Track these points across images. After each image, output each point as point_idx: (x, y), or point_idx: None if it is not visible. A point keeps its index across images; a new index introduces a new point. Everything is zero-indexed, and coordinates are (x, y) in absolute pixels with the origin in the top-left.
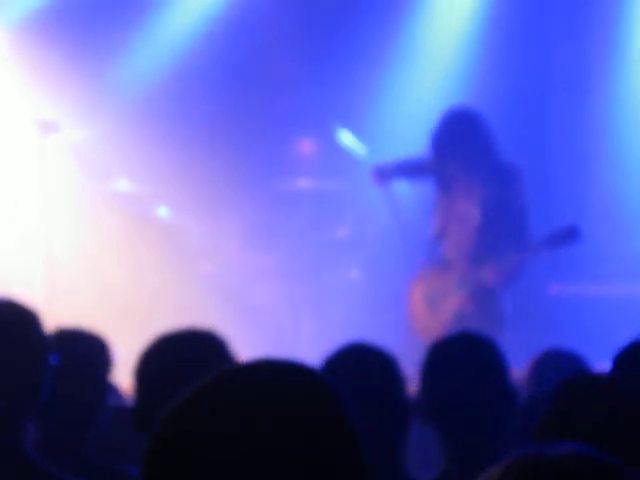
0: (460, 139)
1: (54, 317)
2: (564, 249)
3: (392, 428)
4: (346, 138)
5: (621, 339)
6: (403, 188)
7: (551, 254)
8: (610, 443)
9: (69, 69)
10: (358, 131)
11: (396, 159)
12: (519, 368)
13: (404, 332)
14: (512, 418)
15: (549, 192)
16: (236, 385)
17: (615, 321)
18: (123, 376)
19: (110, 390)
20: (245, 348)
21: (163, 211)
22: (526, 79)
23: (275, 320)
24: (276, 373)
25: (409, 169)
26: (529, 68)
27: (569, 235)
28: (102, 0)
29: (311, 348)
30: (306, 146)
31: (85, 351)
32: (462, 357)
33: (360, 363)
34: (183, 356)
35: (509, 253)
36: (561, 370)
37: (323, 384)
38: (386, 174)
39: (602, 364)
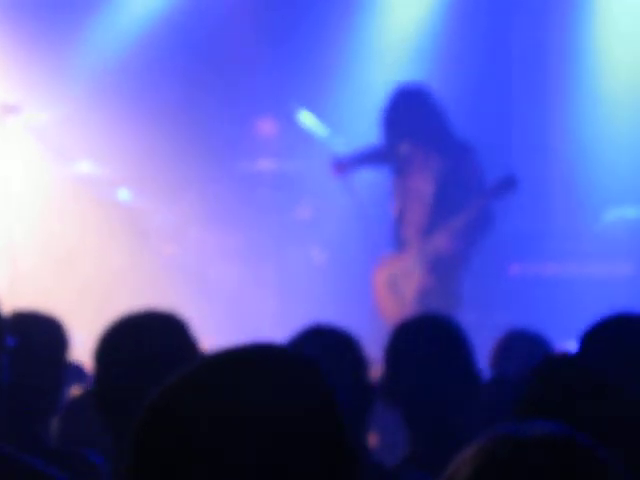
0: (410, 115)
1: (16, 300)
2: (505, 198)
3: (355, 411)
4: (306, 119)
5: (580, 318)
6: (363, 177)
7: (510, 233)
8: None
9: (30, 52)
10: (318, 112)
11: (354, 150)
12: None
13: (369, 316)
14: (476, 399)
15: (508, 171)
16: (227, 372)
17: (575, 300)
18: (86, 359)
19: (77, 371)
20: (208, 329)
21: (125, 193)
22: (488, 62)
23: (238, 301)
24: (268, 360)
25: (367, 158)
26: (490, 52)
27: (507, 184)
28: None
29: (274, 329)
30: (266, 127)
31: (41, 333)
32: (426, 339)
33: (323, 345)
34: (142, 338)
35: (451, 219)
36: (525, 351)
37: (317, 374)
38: (345, 165)
39: (562, 343)
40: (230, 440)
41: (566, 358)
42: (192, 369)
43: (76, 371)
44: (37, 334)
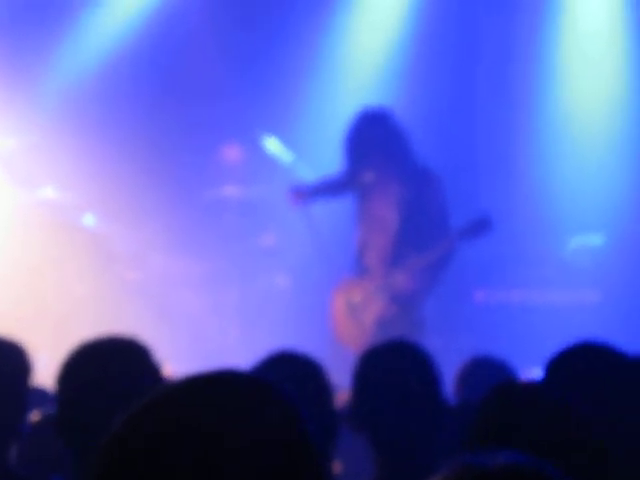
0: (374, 139)
1: None
2: (477, 240)
3: (320, 437)
4: (271, 145)
5: (546, 346)
6: (322, 206)
7: (475, 259)
8: (539, 451)
9: None
10: (283, 138)
11: (314, 179)
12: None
13: (329, 342)
14: (443, 425)
15: (474, 197)
16: (188, 401)
17: (539, 327)
18: (47, 383)
19: (43, 395)
20: (171, 356)
21: (89, 219)
22: (453, 87)
23: (201, 327)
24: (232, 387)
25: (327, 188)
26: (455, 77)
27: (481, 225)
28: (28, 10)
29: (238, 356)
30: (231, 153)
31: (3, 358)
32: (393, 365)
33: (287, 371)
34: (104, 364)
35: (419, 255)
36: (489, 378)
37: (283, 400)
38: (304, 195)
39: (527, 371)
40: (194, 469)
41: (515, 385)
42: (155, 397)
43: (36, 395)
44: None
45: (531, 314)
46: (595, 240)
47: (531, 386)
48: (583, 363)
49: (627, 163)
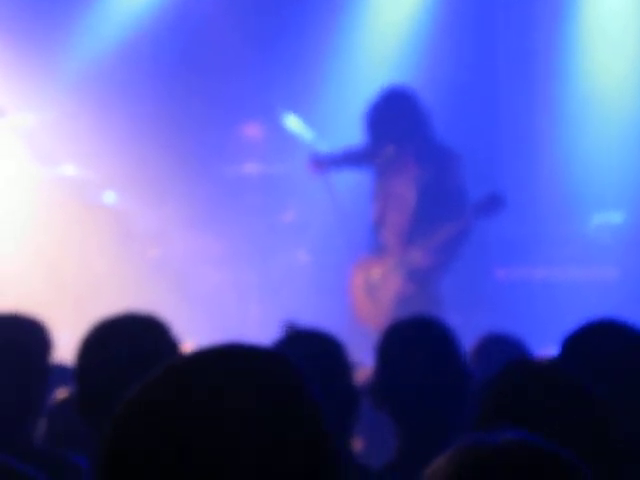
0: (395, 118)
1: (1, 301)
2: (491, 217)
3: (341, 414)
4: (292, 122)
5: (566, 323)
6: (342, 177)
7: (496, 238)
8: (548, 429)
9: (17, 55)
10: (304, 115)
11: (334, 150)
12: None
13: (347, 319)
14: (465, 400)
15: (495, 176)
16: (196, 378)
17: (561, 305)
18: (70, 360)
19: (61, 372)
20: (192, 333)
21: (110, 196)
22: (474, 66)
23: (223, 304)
24: (239, 358)
25: (347, 158)
26: (477, 55)
27: (493, 202)
28: None
29: (258, 332)
30: (252, 131)
31: (22, 335)
32: (416, 340)
33: (307, 348)
34: (122, 339)
35: (435, 232)
36: (502, 354)
37: (289, 370)
38: (323, 164)
39: (547, 348)
40: (203, 443)
41: (527, 362)
42: (160, 373)
43: (61, 373)
44: (20, 336)
45: (552, 291)
46: (616, 218)
47: (543, 363)
48: (599, 340)
49: None
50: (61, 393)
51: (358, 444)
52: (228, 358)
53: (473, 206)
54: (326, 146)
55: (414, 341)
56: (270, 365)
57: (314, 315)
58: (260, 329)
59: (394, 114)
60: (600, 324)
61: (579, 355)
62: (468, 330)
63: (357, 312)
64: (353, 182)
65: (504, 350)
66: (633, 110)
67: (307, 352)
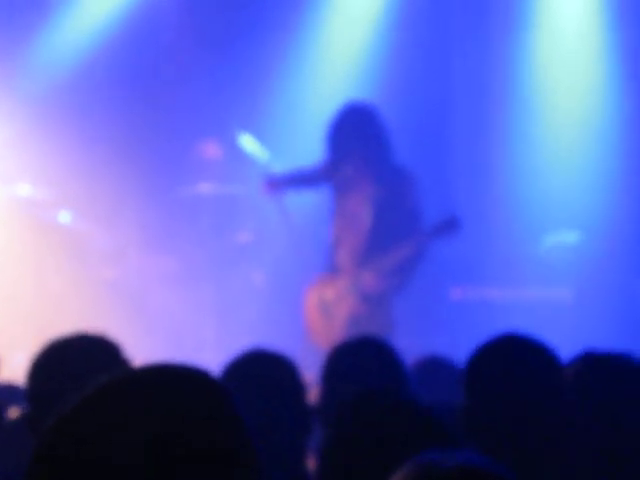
0: (354, 135)
1: None
2: (446, 240)
3: (293, 432)
4: (248, 143)
5: None
6: (296, 198)
7: (451, 257)
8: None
9: None
10: (260, 135)
11: (289, 170)
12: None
13: (302, 339)
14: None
15: (450, 196)
16: (121, 394)
17: (515, 325)
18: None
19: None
20: (147, 353)
21: (65, 216)
22: (428, 82)
23: (178, 324)
24: (163, 379)
25: (302, 179)
26: (431, 71)
27: (449, 225)
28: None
29: (214, 353)
30: (211, 150)
31: None
32: (357, 361)
33: (261, 369)
34: (73, 361)
35: (387, 254)
36: (437, 377)
37: (209, 387)
38: (278, 185)
39: None
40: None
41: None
42: (88, 394)
43: (11, 392)
44: None
45: (507, 312)
46: (570, 238)
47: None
48: (503, 357)
49: (602, 161)
50: (13, 412)
51: (312, 462)
52: (140, 382)
53: (429, 228)
54: (280, 166)
55: (355, 362)
56: (186, 387)
57: (269, 335)
58: (215, 348)
59: (354, 131)
60: (503, 341)
61: (483, 372)
62: (424, 351)
63: (311, 332)
64: (307, 203)
65: (437, 372)
66: (588, 130)
67: (261, 373)
